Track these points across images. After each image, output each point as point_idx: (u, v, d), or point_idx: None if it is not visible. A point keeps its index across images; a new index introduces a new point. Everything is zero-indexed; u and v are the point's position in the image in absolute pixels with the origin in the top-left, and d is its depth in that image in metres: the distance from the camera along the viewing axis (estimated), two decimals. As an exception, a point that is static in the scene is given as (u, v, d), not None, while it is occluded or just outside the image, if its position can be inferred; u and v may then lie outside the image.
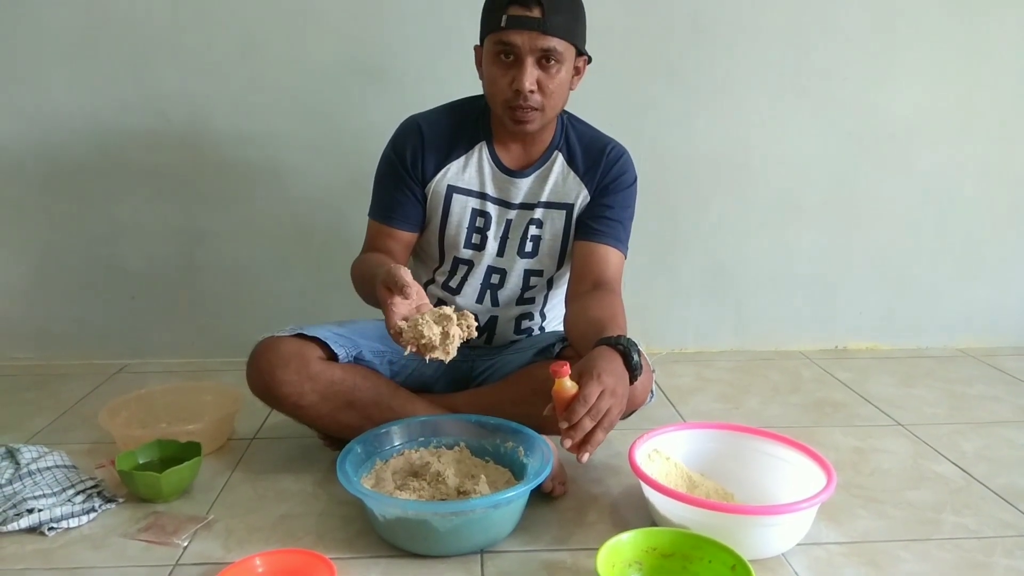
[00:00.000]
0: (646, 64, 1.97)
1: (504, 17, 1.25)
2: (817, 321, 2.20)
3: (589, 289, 1.38)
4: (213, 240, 2.02)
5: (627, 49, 1.93)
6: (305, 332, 1.37)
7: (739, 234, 2.12)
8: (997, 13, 2.01)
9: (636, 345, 1.17)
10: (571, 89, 1.37)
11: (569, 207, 1.46)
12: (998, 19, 2.01)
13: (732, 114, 2.03)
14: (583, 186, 1.45)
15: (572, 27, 1.30)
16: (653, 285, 2.09)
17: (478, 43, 1.37)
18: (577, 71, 1.36)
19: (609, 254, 1.42)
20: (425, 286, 1.54)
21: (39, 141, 1.92)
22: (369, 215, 1.47)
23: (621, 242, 1.44)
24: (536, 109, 1.31)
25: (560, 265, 1.50)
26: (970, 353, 2.19)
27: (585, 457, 1.07)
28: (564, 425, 1.06)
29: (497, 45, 1.28)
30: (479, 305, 1.50)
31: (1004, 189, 2.14)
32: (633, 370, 1.15)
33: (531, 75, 1.28)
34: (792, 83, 2.02)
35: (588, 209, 1.45)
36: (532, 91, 1.29)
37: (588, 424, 1.05)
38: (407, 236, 1.45)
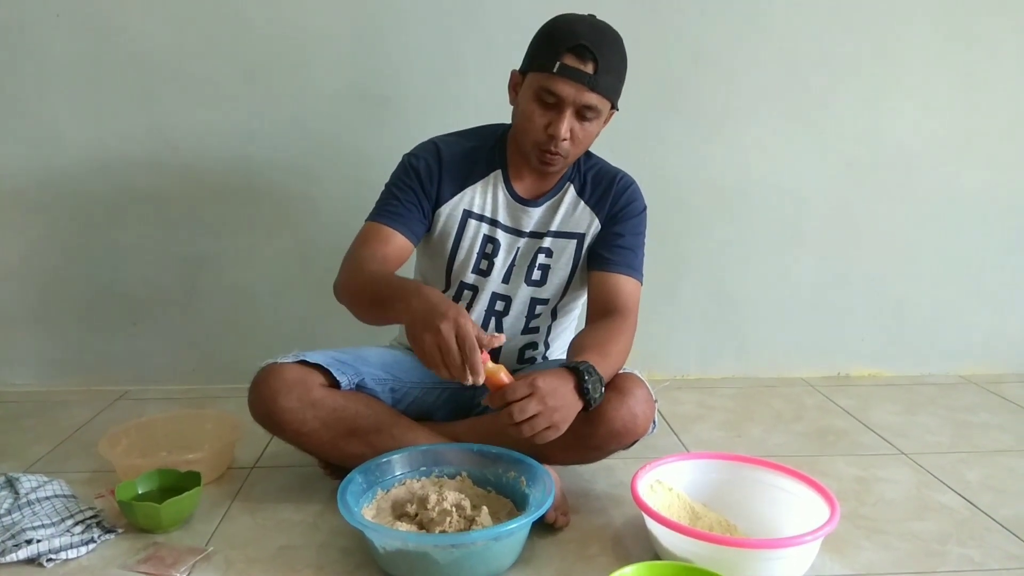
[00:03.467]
0: (647, 94, 1.98)
1: (558, 64, 1.26)
2: (819, 348, 2.20)
3: (600, 317, 1.40)
4: (215, 267, 2.02)
5: (628, 79, 1.94)
6: (307, 359, 1.37)
7: (740, 261, 2.12)
8: (994, 39, 2.03)
9: (596, 372, 1.21)
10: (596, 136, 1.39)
11: (580, 236, 1.47)
12: (995, 45, 2.03)
13: (732, 142, 2.04)
14: (594, 216, 1.47)
15: (616, 86, 1.33)
16: (655, 312, 2.08)
17: (517, 69, 1.37)
18: (606, 120, 1.38)
19: (622, 282, 1.43)
20: None
21: (42, 168, 1.93)
22: (368, 219, 1.42)
23: (635, 269, 1.45)
24: (563, 156, 1.34)
25: (564, 295, 1.51)
26: (973, 380, 2.18)
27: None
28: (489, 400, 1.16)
29: (542, 88, 1.29)
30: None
31: (1004, 214, 2.15)
32: (584, 394, 1.18)
33: (567, 125, 1.30)
34: (791, 111, 2.03)
35: (600, 239, 1.47)
36: (565, 140, 1.31)
37: (507, 420, 1.13)
38: (403, 244, 1.40)
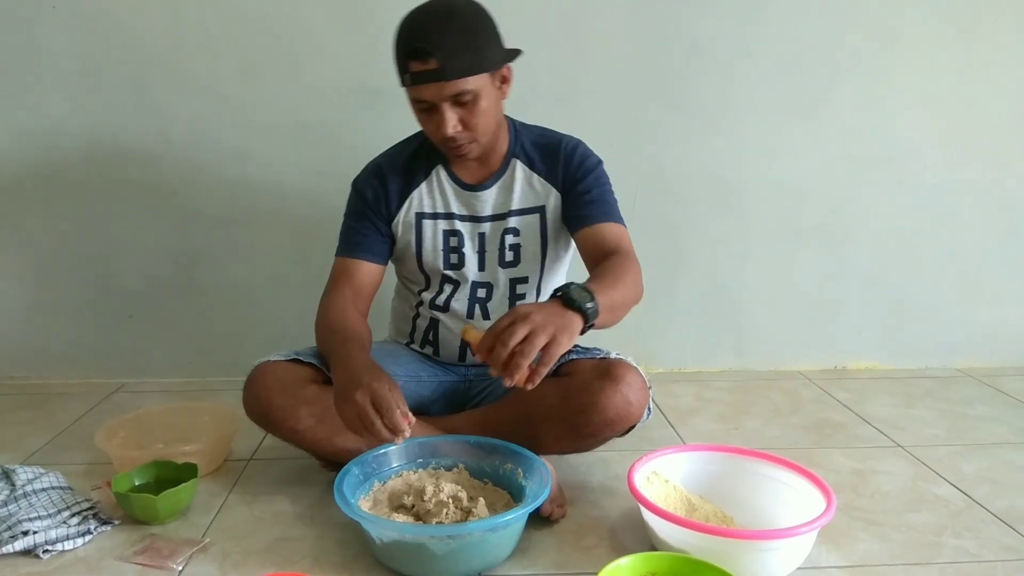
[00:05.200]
0: (645, 87, 1.98)
1: (407, 75, 1.27)
2: (816, 341, 2.20)
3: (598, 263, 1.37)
4: (211, 260, 2.02)
5: (626, 72, 1.94)
6: (300, 357, 1.37)
7: (738, 254, 2.12)
8: (995, 33, 2.02)
9: (574, 284, 1.14)
10: (503, 99, 1.37)
11: (541, 209, 1.47)
12: (994, 41, 2.03)
13: (730, 136, 2.04)
14: (551, 187, 1.46)
15: (476, 62, 1.27)
16: (652, 305, 2.07)
17: None
18: (504, 79, 1.35)
19: (607, 228, 1.40)
20: (415, 307, 1.54)
21: (38, 160, 1.92)
22: (336, 255, 1.49)
23: (613, 216, 1.42)
24: (469, 143, 1.33)
25: (543, 269, 1.50)
26: (970, 373, 2.18)
27: (516, 382, 1.06)
28: (479, 358, 1.09)
29: (412, 100, 1.30)
30: (470, 320, 1.50)
31: (1002, 209, 2.15)
32: (571, 304, 1.10)
33: (451, 119, 1.29)
34: (790, 105, 2.03)
35: (567, 204, 1.45)
36: (458, 130, 1.30)
37: (501, 351, 1.04)
38: (371, 268, 1.46)
